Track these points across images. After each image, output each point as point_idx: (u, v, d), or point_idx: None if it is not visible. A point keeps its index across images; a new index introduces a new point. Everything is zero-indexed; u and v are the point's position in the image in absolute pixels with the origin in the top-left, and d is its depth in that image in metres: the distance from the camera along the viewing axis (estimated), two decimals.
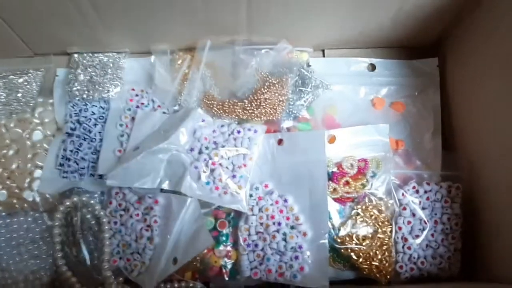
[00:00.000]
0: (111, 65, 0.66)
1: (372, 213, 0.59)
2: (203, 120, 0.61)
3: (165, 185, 0.58)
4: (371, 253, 0.58)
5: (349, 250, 0.58)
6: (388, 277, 0.58)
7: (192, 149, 0.59)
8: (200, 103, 0.63)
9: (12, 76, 0.65)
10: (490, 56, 0.56)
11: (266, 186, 0.60)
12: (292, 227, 0.58)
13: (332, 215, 0.60)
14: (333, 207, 0.60)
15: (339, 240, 0.58)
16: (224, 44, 0.66)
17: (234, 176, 0.58)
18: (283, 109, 0.63)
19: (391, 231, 0.59)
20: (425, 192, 0.60)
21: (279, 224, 0.58)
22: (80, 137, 0.62)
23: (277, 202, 0.59)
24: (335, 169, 0.61)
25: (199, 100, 0.64)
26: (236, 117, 0.63)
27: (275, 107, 0.62)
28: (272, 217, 0.58)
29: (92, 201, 0.59)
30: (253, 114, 0.62)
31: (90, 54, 0.67)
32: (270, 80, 0.63)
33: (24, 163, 0.61)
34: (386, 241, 0.59)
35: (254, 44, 0.66)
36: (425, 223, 0.59)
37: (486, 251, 0.57)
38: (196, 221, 0.57)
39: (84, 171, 0.61)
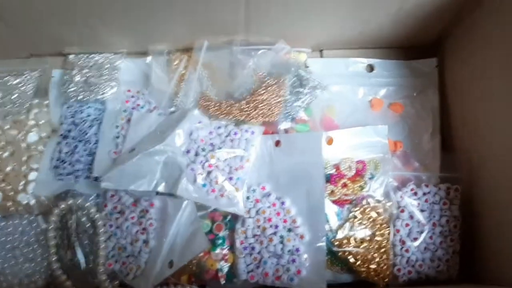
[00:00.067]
0: (107, 66, 0.66)
1: (370, 216, 0.59)
2: (199, 122, 0.61)
3: (161, 188, 0.58)
4: (369, 256, 0.57)
5: (347, 253, 0.57)
6: (386, 280, 0.57)
7: (188, 151, 0.59)
8: (197, 104, 0.63)
9: (7, 77, 0.65)
10: (489, 56, 0.55)
11: (263, 188, 0.59)
12: (289, 230, 0.57)
13: (330, 218, 0.59)
14: (331, 210, 0.59)
15: (336, 243, 0.58)
16: (221, 45, 0.65)
17: (231, 178, 0.58)
18: (281, 110, 0.62)
19: (389, 234, 0.58)
20: (424, 194, 0.59)
21: (276, 227, 0.57)
22: (76, 139, 0.62)
23: (274, 205, 0.58)
24: (333, 171, 0.60)
25: (196, 101, 0.63)
26: (233, 118, 0.62)
27: (272, 108, 0.62)
28: (269, 219, 0.57)
29: (87, 204, 0.59)
30: (250, 115, 0.62)
31: (86, 55, 0.66)
32: (268, 81, 0.63)
33: (19, 165, 0.61)
34: (384, 244, 0.58)
35: (252, 44, 0.65)
36: (424, 225, 0.58)
37: (485, 253, 0.57)
38: (192, 224, 0.56)
39: (80, 173, 0.60)
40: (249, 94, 0.63)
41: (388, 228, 0.59)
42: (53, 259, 0.56)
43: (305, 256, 0.56)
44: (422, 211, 0.59)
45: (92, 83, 0.64)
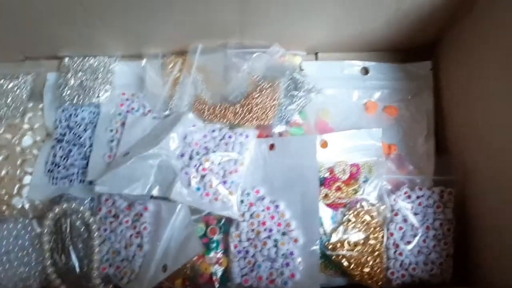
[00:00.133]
0: (101, 69, 0.66)
1: (364, 219, 0.59)
2: (194, 125, 0.61)
3: (155, 191, 0.58)
4: (363, 260, 0.57)
5: (341, 257, 0.57)
6: (380, 283, 0.57)
7: (182, 155, 0.59)
8: (191, 108, 0.63)
9: (1, 81, 0.65)
10: (484, 59, 0.55)
11: (257, 191, 0.59)
12: (283, 234, 0.57)
13: (324, 221, 0.59)
14: (326, 213, 0.60)
15: (330, 247, 0.58)
16: (216, 48, 0.65)
17: (225, 182, 0.58)
18: (275, 113, 0.62)
19: (382, 237, 0.59)
20: (417, 197, 0.60)
21: (270, 230, 0.57)
22: (70, 142, 0.62)
23: (268, 208, 0.58)
24: (327, 174, 0.61)
25: (190, 104, 0.63)
26: (228, 122, 0.62)
27: (267, 111, 0.62)
28: (263, 223, 0.58)
29: (81, 208, 0.59)
30: (244, 119, 0.62)
31: (81, 58, 0.66)
32: (262, 84, 0.63)
33: (13, 169, 0.61)
34: (377, 247, 0.58)
35: (247, 47, 0.65)
36: (417, 228, 0.58)
37: (479, 256, 0.57)
38: (186, 228, 0.57)
39: (74, 177, 0.61)
40: (243, 98, 0.63)
41: (382, 232, 0.59)
42: (48, 263, 0.56)
43: (299, 259, 0.56)
44: (415, 214, 0.59)
45: (87, 87, 0.64)
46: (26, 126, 0.63)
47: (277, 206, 0.58)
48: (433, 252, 0.58)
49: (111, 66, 0.66)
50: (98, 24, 0.60)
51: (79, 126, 0.62)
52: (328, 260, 0.58)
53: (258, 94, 0.62)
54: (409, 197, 0.60)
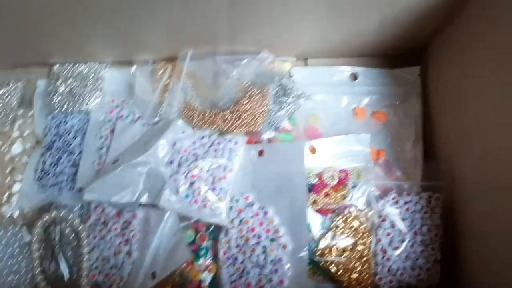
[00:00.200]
0: (91, 76, 0.66)
1: (352, 225, 0.59)
2: (183, 132, 0.61)
3: (144, 199, 0.58)
4: (351, 266, 0.58)
5: (329, 263, 0.58)
6: None
7: (171, 162, 0.59)
8: (180, 114, 0.63)
9: None
10: (470, 65, 0.55)
11: (246, 198, 0.59)
12: (272, 240, 0.58)
13: (313, 227, 0.59)
14: (315, 219, 0.60)
15: (318, 253, 0.58)
16: (205, 54, 0.65)
17: (214, 189, 0.58)
18: (264, 119, 0.62)
19: (370, 243, 0.59)
20: (405, 203, 0.60)
21: (259, 236, 0.58)
22: (60, 150, 0.62)
23: (257, 215, 0.59)
24: (316, 180, 0.61)
25: (179, 111, 0.63)
26: (217, 128, 0.62)
27: (256, 118, 0.62)
28: (252, 229, 0.58)
29: (71, 216, 0.59)
30: (234, 125, 0.62)
31: (71, 65, 0.66)
32: (251, 91, 0.63)
33: (2, 177, 0.61)
34: (365, 253, 0.59)
35: (236, 54, 0.65)
36: (405, 234, 0.59)
37: (466, 261, 0.57)
38: (175, 235, 0.57)
39: (63, 184, 0.61)
40: (232, 104, 0.63)
41: (370, 237, 0.59)
42: (37, 271, 0.57)
43: (288, 266, 0.57)
44: (403, 220, 0.59)
45: (76, 94, 0.64)
46: (16, 133, 0.64)
47: (266, 213, 0.58)
48: (420, 258, 0.58)
49: (101, 72, 0.66)
50: (88, 31, 0.60)
51: (69, 134, 0.62)
52: (317, 266, 0.59)
53: (247, 101, 0.62)
54: (397, 202, 0.60)
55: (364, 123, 0.66)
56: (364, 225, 0.59)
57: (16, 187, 0.61)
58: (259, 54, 0.65)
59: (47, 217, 0.58)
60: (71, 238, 0.59)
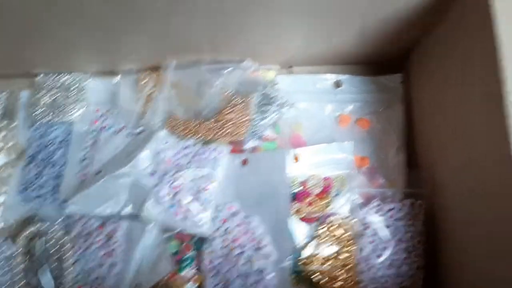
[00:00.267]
0: (75, 86, 0.66)
1: (335, 233, 0.59)
2: (166, 142, 0.61)
3: (128, 210, 0.58)
4: (334, 274, 0.58)
5: (313, 272, 0.58)
6: None
7: (154, 173, 0.59)
8: (164, 124, 0.63)
9: None
10: (450, 73, 0.56)
11: (230, 208, 0.60)
12: (256, 250, 0.58)
13: (297, 236, 0.60)
14: (298, 228, 0.60)
15: (302, 262, 0.58)
16: (189, 63, 0.65)
17: (197, 199, 0.58)
18: (247, 129, 0.63)
19: (354, 251, 0.59)
20: (388, 210, 0.60)
21: (243, 246, 0.58)
22: (43, 161, 0.62)
23: (241, 224, 0.59)
24: (299, 189, 0.61)
25: (163, 120, 0.63)
26: (201, 138, 0.62)
27: (239, 127, 0.62)
28: (237, 239, 0.58)
29: (54, 227, 0.59)
30: (217, 135, 0.62)
31: (54, 75, 0.66)
32: (235, 100, 0.63)
33: None
34: (349, 261, 0.59)
35: (220, 63, 0.66)
36: (388, 242, 0.59)
37: (448, 268, 0.58)
38: (158, 247, 0.57)
39: (47, 196, 0.61)
40: (216, 113, 0.63)
41: (353, 245, 0.59)
42: (21, 283, 0.56)
43: (272, 275, 0.57)
44: (387, 227, 0.60)
45: (60, 104, 0.64)
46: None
47: (250, 222, 0.59)
48: (404, 265, 0.59)
49: (85, 83, 0.66)
50: (71, 42, 0.60)
51: (52, 145, 0.62)
52: (300, 275, 0.59)
53: (231, 110, 0.62)
54: (380, 210, 0.60)
55: (348, 131, 0.67)
56: (348, 233, 0.60)
57: (1, 199, 0.60)
58: (243, 63, 0.65)
59: (30, 229, 0.58)
60: (55, 250, 0.59)
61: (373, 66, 0.70)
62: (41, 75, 0.67)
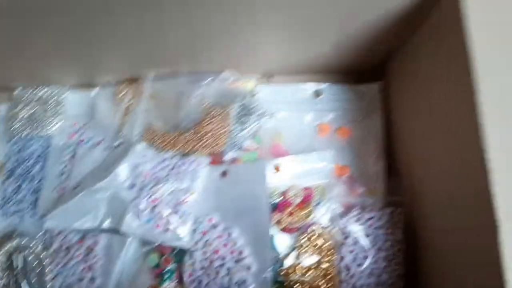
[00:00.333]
0: (53, 99, 0.66)
1: (316, 243, 0.60)
2: (144, 155, 0.61)
3: (106, 224, 0.58)
4: (315, 284, 0.58)
5: (293, 282, 0.58)
6: None
7: (133, 186, 0.59)
8: (143, 137, 0.63)
9: None
10: (427, 82, 0.56)
11: (210, 219, 0.60)
12: (236, 261, 0.58)
13: (278, 247, 0.60)
14: (279, 239, 0.60)
15: (283, 273, 0.58)
16: (168, 75, 0.65)
17: (176, 212, 0.58)
18: (227, 140, 0.63)
19: (335, 261, 0.59)
20: (368, 219, 0.60)
21: (223, 258, 0.58)
22: (21, 176, 0.61)
23: (221, 236, 0.59)
24: (280, 199, 0.61)
25: (142, 133, 0.63)
26: (180, 150, 0.62)
27: (218, 138, 0.62)
28: (217, 251, 0.58)
29: (33, 243, 0.58)
30: (196, 147, 0.62)
31: (32, 89, 0.66)
32: (213, 111, 0.63)
33: None
34: (330, 271, 0.59)
35: (199, 74, 0.65)
36: (368, 251, 0.59)
37: (427, 275, 0.58)
38: (138, 260, 0.57)
39: (25, 211, 0.60)
40: (195, 125, 0.63)
41: (334, 255, 0.60)
42: None
43: (252, 287, 0.57)
44: (367, 236, 0.60)
45: (38, 118, 0.64)
46: None
47: (230, 234, 0.58)
48: (384, 273, 0.59)
49: (62, 96, 0.66)
50: (49, 55, 0.59)
51: (30, 160, 0.62)
52: (281, 286, 0.59)
53: (210, 121, 0.62)
54: (359, 219, 0.60)
55: (328, 140, 0.67)
56: (328, 243, 0.60)
57: None
58: (221, 74, 0.65)
59: (9, 245, 0.57)
60: (34, 265, 0.58)
61: (353, 75, 0.70)
62: (19, 89, 0.66)
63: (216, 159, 0.63)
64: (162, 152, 0.62)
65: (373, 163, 0.65)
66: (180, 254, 0.59)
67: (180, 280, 0.59)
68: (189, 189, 0.59)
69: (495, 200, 0.41)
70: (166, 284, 0.58)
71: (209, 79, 0.65)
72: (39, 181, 0.61)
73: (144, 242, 0.58)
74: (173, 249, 0.59)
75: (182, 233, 0.58)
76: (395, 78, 0.66)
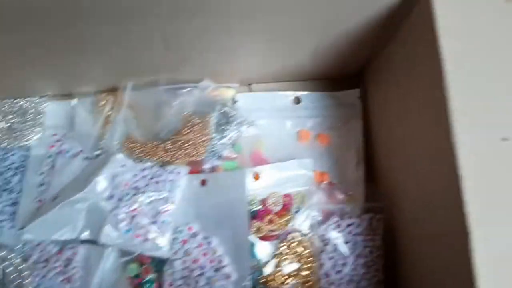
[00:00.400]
0: (31, 110, 0.66)
1: (296, 250, 0.60)
2: (123, 165, 0.61)
3: (85, 235, 0.58)
4: None
5: None
6: None
7: (111, 196, 0.59)
8: (122, 146, 0.63)
9: None
10: (403, 88, 0.56)
11: (190, 228, 0.60)
12: (216, 270, 0.58)
13: (258, 255, 0.60)
14: (259, 247, 0.60)
15: (262, 281, 0.58)
16: (147, 84, 0.65)
17: (155, 222, 0.58)
18: (206, 149, 0.63)
19: (315, 268, 0.59)
20: (347, 226, 0.61)
21: (203, 267, 0.58)
22: (0, 188, 0.61)
23: (201, 245, 0.59)
24: (259, 207, 0.61)
25: (121, 143, 0.63)
26: (159, 160, 0.62)
27: (197, 147, 0.62)
28: (196, 260, 0.58)
29: (12, 255, 0.58)
30: (175, 156, 0.62)
31: (11, 100, 0.66)
32: (193, 120, 0.63)
33: None
34: (310, 278, 0.59)
35: (178, 83, 0.66)
36: (347, 257, 0.59)
37: (407, 281, 0.58)
38: (116, 271, 0.57)
39: (4, 223, 0.60)
40: (174, 134, 0.63)
41: (314, 262, 0.60)
42: None
43: None
44: (346, 243, 0.60)
45: (17, 129, 0.64)
46: None
47: (209, 243, 0.59)
48: (363, 280, 0.59)
49: (41, 106, 0.66)
50: (27, 65, 0.59)
51: (9, 171, 0.61)
52: None
53: (189, 130, 0.62)
54: (339, 226, 0.61)
55: (308, 147, 0.67)
56: (308, 250, 0.60)
57: None
58: (200, 83, 0.65)
59: None
60: (13, 277, 0.58)
61: (332, 82, 0.70)
62: None
63: (196, 168, 0.63)
64: (141, 162, 0.62)
65: (353, 169, 0.65)
66: (160, 264, 0.59)
67: None
68: (169, 198, 0.59)
69: (466, 207, 0.42)
70: None
71: (189, 88, 0.65)
72: (18, 193, 0.61)
73: (124, 253, 0.58)
74: (153, 258, 0.59)
75: (161, 242, 0.58)
76: (372, 85, 0.66)
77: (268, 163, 0.65)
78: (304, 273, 0.59)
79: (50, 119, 0.66)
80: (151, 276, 0.59)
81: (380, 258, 0.60)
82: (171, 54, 0.59)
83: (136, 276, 0.59)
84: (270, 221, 0.61)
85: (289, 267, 0.59)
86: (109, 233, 0.57)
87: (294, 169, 0.63)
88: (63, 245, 0.59)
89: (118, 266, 0.57)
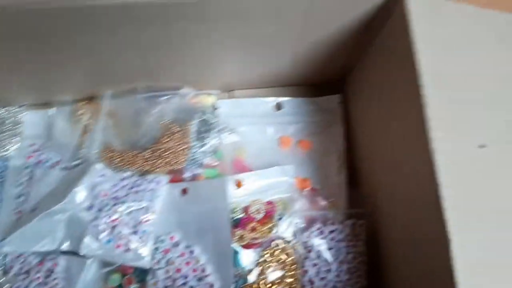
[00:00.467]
0: (10, 120, 0.64)
1: (279, 258, 0.59)
2: (102, 175, 0.60)
3: (66, 246, 0.57)
4: None
5: None
6: None
7: (91, 207, 0.58)
8: (101, 156, 0.62)
9: None
10: (383, 94, 0.57)
11: (172, 238, 0.59)
12: (199, 279, 0.57)
13: (241, 262, 0.59)
14: (242, 255, 0.60)
15: None
16: (126, 92, 0.65)
17: (136, 232, 0.58)
18: (187, 157, 0.62)
19: (299, 275, 0.59)
20: (330, 232, 0.61)
21: (186, 277, 0.57)
22: None
23: (183, 254, 0.58)
24: (242, 215, 0.61)
25: (100, 152, 0.62)
26: (139, 169, 0.62)
27: (178, 155, 0.62)
28: (179, 270, 0.58)
29: None
30: (155, 165, 0.61)
31: None
32: (173, 128, 0.63)
33: None
34: (294, 285, 0.59)
35: (157, 91, 0.65)
36: (331, 264, 0.59)
37: (391, 286, 0.58)
38: (98, 282, 0.56)
39: None
40: (154, 143, 0.62)
41: (297, 269, 0.60)
42: None
43: None
44: (329, 249, 0.60)
45: None
46: None
47: (192, 252, 0.58)
48: (347, 286, 0.59)
49: (19, 116, 0.65)
50: (6, 75, 0.58)
51: None
52: None
53: (168, 139, 0.62)
54: (321, 232, 0.61)
55: (290, 153, 0.67)
56: (292, 257, 0.60)
57: None
58: (180, 90, 0.64)
59: None
60: None
61: (314, 88, 0.71)
62: None
63: (177, 176, 0.62)
64: (121, 171, 0.61)
65: (335, 175, 0.65)
66: (142, 274, 0.59)
67: None
68: (149, 207, 0.59)
69: (445, 213, 0.42)
70: None
71: (168, 95, 0.65)
72: None
73: (105, 263, 0.57)
74: (135, 268, 0.59)
75: (143, 252, 0.57)
76: (353, 90, 0.66)
77: (249, 170, 0.64)
78: (288, 280, 0.59)
79: (29, 129, 0.65)
80: (133, 286, 0.58)
81: (363, 264, 0.60)
82: (148, 62, 0.59)
83: (119, 286, 0.58)
84: (253, 229, 0.60)
85: (273, 274, 0.59)
86: (89, 244, 0.56)
87: (276, 176, 0.63)
88: (44, 256, 0.58)
89: (99, 276, 0.56)
